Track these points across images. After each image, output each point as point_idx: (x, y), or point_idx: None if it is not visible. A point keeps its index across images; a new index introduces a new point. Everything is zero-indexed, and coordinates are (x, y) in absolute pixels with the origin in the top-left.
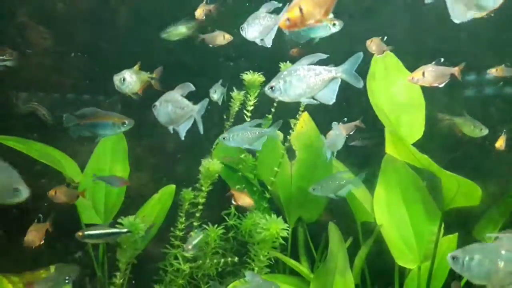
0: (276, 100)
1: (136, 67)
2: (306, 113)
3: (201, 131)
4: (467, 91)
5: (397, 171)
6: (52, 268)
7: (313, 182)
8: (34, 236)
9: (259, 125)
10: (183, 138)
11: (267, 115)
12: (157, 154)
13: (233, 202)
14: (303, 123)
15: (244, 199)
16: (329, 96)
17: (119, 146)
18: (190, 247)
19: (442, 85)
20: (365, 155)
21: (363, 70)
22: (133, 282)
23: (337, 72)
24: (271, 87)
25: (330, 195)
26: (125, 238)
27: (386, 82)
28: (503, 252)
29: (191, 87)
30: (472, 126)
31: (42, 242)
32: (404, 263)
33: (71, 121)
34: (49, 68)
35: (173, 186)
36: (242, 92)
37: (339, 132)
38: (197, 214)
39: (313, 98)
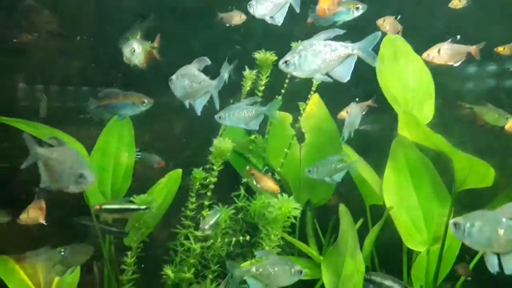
0: (290, 75)
1: (138, 36)
2: (316, 94)
3: (218, 107)
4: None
5: (407, 153)
6: (59, 250)
7: None
8: (36, 212)
9: (256, 104)
10: (199, 114)
11: (277, 96)
12: (164, 139)
13: (254, 183)
14: (313, 105)
15: (267, 183)
16: (344, 73)
17: (125, 130)
18: (207, 226)
19: (457, 64)
20: (373, 139)
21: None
22: (142, 266)
23: (354, 49)
24: (286, 62)
25: (326, 178)
26: (138, 216)
27: (395, 66)
28: (503, 219)
29: (207, 61)
30: (497, 114)
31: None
32: (413, 246)
33: (93, 103)
34: (54, 51)
35: (180, 171)
36: (254, 71)
37: (357, 112)
38: (209, 193)
39: (327, 75)
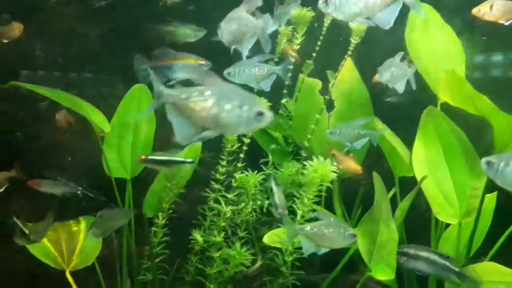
0: (329, 16)
1: None
2: (349, 59)
3: (266, 49)
4: None
5: (437, 124)
6: (82, 220)
7: None
8: None
9: (268, 62)
10: (245, 58)
11: (307, 60)
12: None
13: (335, 163)
14: (346, 70)
15: (348, 163)
16: (387, 19)
17: (144, 101)
18: (281, 210)
19: (508, 23)
20: (402, 110)
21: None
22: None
23: None
24: (326, 1)
25: (346, 143)
26: (170, 176)
27: (425, 34)
28: None
29: (259, 2)
30: None
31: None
32: (445, 219)
33: (141, 63)
34: (73, 18)
35: (199, 144)
36: (290, 27)
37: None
38: (241, 155)
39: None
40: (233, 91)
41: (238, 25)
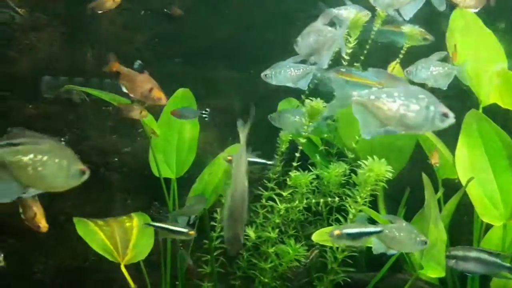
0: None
1: None
2: (397, 62)
3: (343, 52)
4: None
5: (481, 127)
6: (135, 216)
7: (398, 135)
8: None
9: (303, 62)
10: (326, 66)
11: (355, 63)
12: (223, 114)
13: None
14: (394, 72)
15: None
16: (409, 12)
17: (188, 103)
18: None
19: (475, 10)
20: None
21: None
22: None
23: None
24: None
25: (429, 82)
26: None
27: (466, 39)
28: None
29: (333, 12)
30: None
31: None
32: (489, 220)
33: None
34: (119, 25)
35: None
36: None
37: None
38: (297, 154)
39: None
40: (418, 92)
41: (316, 37)
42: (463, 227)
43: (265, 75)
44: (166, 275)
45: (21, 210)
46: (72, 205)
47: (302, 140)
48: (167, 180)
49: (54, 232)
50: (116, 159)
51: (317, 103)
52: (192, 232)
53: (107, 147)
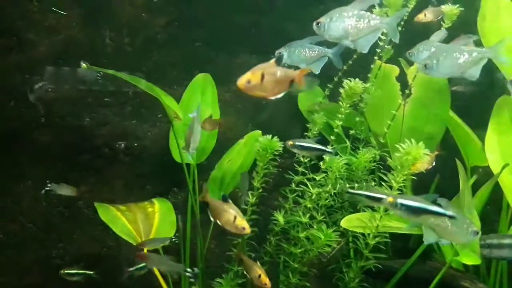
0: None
1: None
2: None
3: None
4: None
5: None
6: (156, 202)
7: (428, 121)
8: None
9: (320, 44)
10: (366, 51)
11: (386, 46)
12: (243, 100)
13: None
14: None
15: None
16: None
17: (208, 89)
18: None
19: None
20: (471, 100)
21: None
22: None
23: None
24: (318, 23)
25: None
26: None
27: (497, 23)
28: None
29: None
30: None
31: None
32: None
33: None
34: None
35: (259, 132)
36: (385, 9)
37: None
38: (332, 137)
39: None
40: None
41: (354, 20)
42: (486, 216)
43: (279, 53)
44: (185, 261)
45: None
46: (91, 190)
47: (337, 123)
48: (187, 166)
49: (73, 218)
50: (136, 144)
51: (356, 83)
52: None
53: (126, 131)
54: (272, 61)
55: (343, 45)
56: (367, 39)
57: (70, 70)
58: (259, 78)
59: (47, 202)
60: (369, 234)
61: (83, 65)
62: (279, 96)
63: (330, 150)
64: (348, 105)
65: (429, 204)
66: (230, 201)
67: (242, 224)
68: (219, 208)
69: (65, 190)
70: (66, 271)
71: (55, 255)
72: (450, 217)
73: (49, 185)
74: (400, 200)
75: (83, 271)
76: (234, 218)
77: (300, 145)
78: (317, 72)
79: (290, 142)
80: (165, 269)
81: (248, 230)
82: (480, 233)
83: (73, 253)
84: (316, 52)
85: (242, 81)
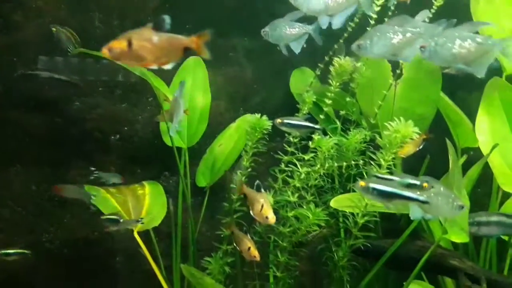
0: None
1: None
2: None
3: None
4: None
5: (503, 95)
6: (146, 184)
7: (419, 102)
8: None
9: (301, 20)
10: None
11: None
12: (235, 83)
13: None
14: None
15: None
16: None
17: (199, 72)
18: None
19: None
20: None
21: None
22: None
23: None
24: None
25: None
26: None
27: (490, 7)
28: None
29: None
30: None
31: None
32: (510, 189)
33: None
34: None
35: (250, 116)
36: None
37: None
38: (321, 116)
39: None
40: None
41: None
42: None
43: (263, 31)
44: (177, 244)
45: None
46: (80, 174)
47: (327, 102)
48: (178, 150)
49: (63, 202)
50: (126, 128)
51: (346, 61)
52: None
53: (115, 115)
54: (148, 26)
55: (323, 22)
56: (342, 15)
57: (58, 53)
58: (124, 45)
59: (36, 187)
60: (357, 214)
61: (53, 29)
62: (169, 66)
63: (318, 127)
64: (338, 84)
65: (402, 188)
66: (262, 190)
67: (267, 213)
68: (253, 198)
69: (113, 178)
70: (2, 252)
71: (45, 239)
72: (423, 202)
73: (95, 172)
74: (372, 185)
75: (21, 251)
76: (261, 207)
77: (288, 123)
78: (297, 51)
79: (279, 120)
80: (81, 197)
81: (271, 219)
82: (466, 207)
83: (64, 238)
84: (297, 29)
85: (104, 49)
